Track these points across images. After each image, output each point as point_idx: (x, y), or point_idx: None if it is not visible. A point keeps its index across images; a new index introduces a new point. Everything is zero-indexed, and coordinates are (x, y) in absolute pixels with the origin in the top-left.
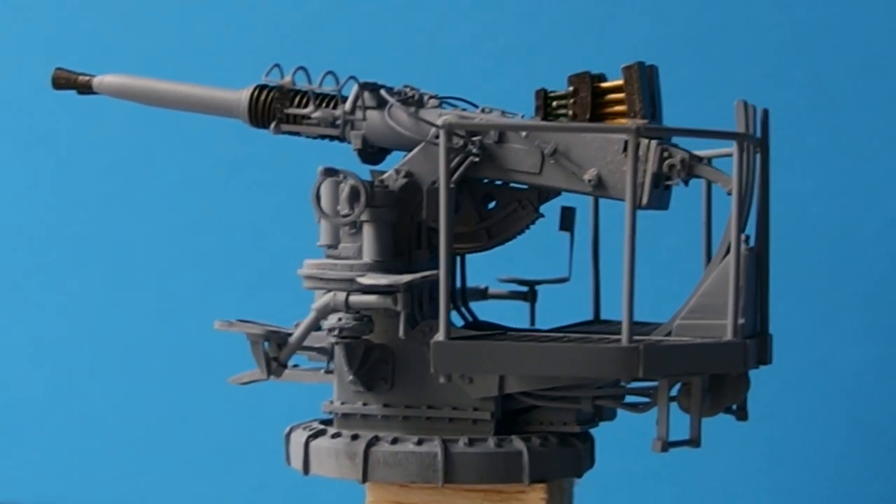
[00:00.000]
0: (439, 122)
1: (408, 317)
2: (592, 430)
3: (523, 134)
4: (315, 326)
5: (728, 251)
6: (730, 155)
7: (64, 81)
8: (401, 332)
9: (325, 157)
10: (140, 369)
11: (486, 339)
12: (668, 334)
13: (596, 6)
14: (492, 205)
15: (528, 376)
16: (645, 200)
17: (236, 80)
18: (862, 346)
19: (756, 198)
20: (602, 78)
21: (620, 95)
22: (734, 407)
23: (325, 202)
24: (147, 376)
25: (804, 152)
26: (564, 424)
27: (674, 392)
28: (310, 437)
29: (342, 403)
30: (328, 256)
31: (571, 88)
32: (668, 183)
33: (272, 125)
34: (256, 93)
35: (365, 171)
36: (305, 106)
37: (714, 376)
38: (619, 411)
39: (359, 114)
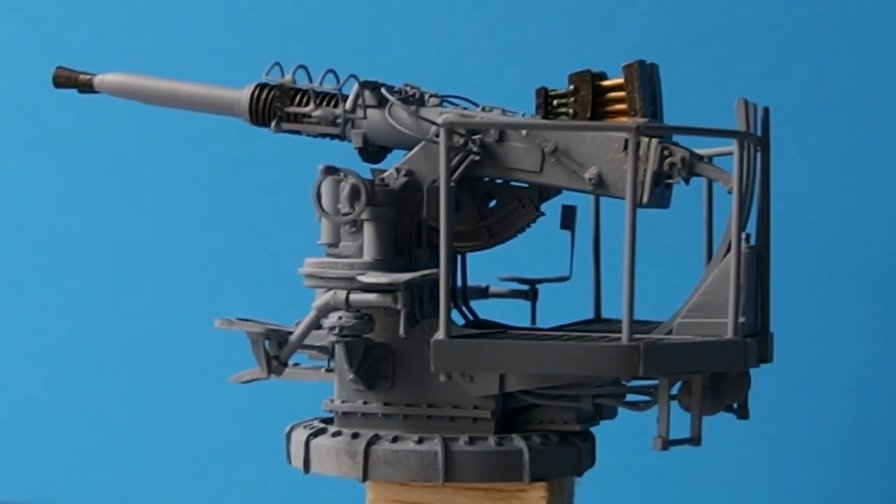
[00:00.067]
0: (439, 120)
1: (408, 315)
2: (593, 429)
3: (524, 132)
4: (315, 325)
5: (729, 249)
6: (730, 153)
7: (65, 80)
8: (401, 331)
9: (327, 156)
10: (140, 369)
11: (487, 338)
12: (669, 333)
13: (597, 5)
14: (492, 203)
15: (528, 375)
16: (645, 199)
17: (237, 79)
18: (863, 344)
19: (757, 196)
20: (602, 76)
21: (621, 94)
22: (735, 405)
23: (326, 201)
24: (147, 376)
25: (805, 151)
26: (565, 423)
27: (675, 391)
28: (310, 435)
29: (343, 402)
30: (329, 255)
31: (572, 87)
32: (669, 181)
33: (272, 124)
34: (257, 91)
35: (366, 169)
36: (306, 104)
37: (715, 375)
38: (620, 410)
39: (359, 112)
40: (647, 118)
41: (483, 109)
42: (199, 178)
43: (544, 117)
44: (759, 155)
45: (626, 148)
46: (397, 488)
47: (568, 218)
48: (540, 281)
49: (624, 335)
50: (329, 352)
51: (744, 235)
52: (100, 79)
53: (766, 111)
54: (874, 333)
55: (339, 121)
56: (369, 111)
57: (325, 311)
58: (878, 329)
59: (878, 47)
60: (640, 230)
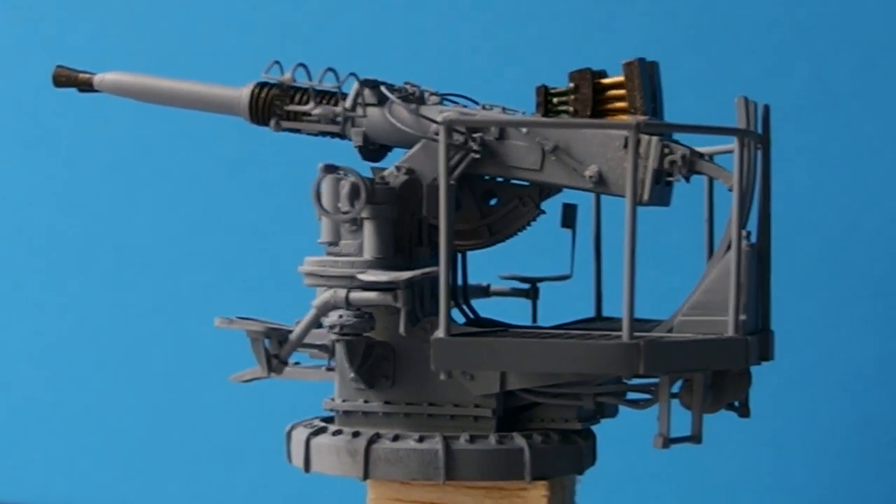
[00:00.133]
0: (439, 118)
1: (408, 314)
2: (594, 427)
3: (524, 130)
4: (316, 323)
5: (729, 247)
6: (731, 151)
7: (65, 79)
8: (401, 329)
9: (327, 155)
10: (141, 368)
11: (487, 336)
12: (670, 331)
13: (597, 4)
14: (493, 202)
15: (529, 373)
16: (646, 197)
17: (237, 78)
18: (864, 342)
19: (757, 194)
20: (603, 74)
21: (621, 92)
22: (736, 403)
23: (326, 199)
24: (147, 375)
25: (806, 150)
26: (566, 421)
27: (676, 389)
28: (311, 434)
29: (343, 401)
30: (329, 253)
31: (572, 85)
32: (670, 179)
33: (272, 122)
34: (257, 90)
35: (366, 168)
36: (306, 103)
37: (716, 373)
38: (621, 408)
39: (359, 110)
40: (648, 116)
41: (483, 108)
42: (198, 177)
43: (544, 115)
44: (759, 153)
45: (626, 146)
46: (398, 487)
47: (569, 216)
48: (541, 279)
49: (624, 333)
50: (330, 350)
51: (744, 233)
52: (100, 78)
53: (767, 109)
54: (875, 332)
55: (339, 119)
56: (369, 109)
57: (325, 309)
58: (879, 327)
59: (878, 47)
60: (641, 228)
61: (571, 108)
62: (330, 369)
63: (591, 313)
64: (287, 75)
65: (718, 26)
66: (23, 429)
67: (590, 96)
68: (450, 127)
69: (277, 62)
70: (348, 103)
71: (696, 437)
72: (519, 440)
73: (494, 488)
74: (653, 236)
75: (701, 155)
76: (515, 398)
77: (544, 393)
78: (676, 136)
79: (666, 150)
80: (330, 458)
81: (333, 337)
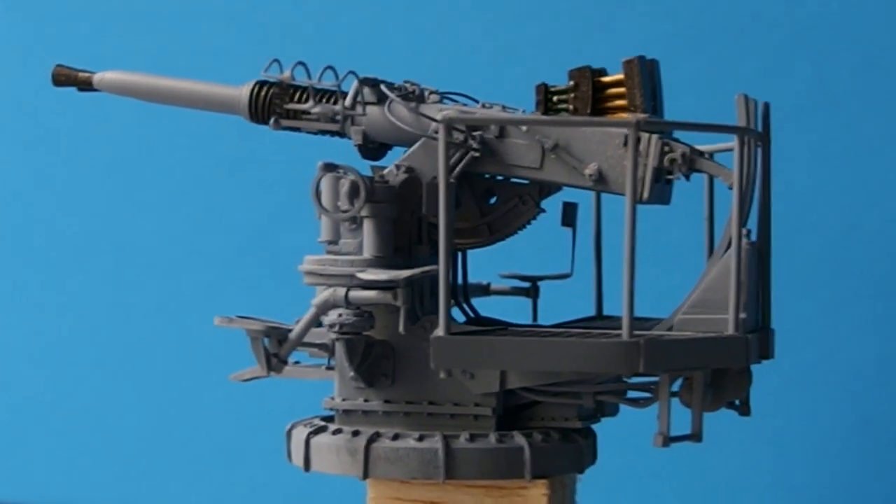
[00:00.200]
0: (439, 116)
1: (408, 312)
2: (595, 426)
3: (524, 128)
4: (315, 322)
5: (729, 245)
6: (731, 149)
7: (64, 78)
8: (401, 328)
9: (330, 154)
10: (141, 368)
11: (487, 335)
12: (670, 329)
13: (598, 2)
14: (493, 200)
15: (529, 371)
16: (646, 195)
17: (237, 77)
18: (865, 341)
19: (758, 192)
20: (603, 72)
21: (621, 90)
22: (736, 402)
23: (326, 198)
24: (148, 375)
25: (806, 149)
26: (566, 420)
27: (676, 387)
28: (311, 433)
29: (343, 400)
30: (328, 252)
31: (572, 83)
32: (669, 177)
33: (271, 121)
34: (256, 89)
35: (366, 166)
36: (305, 101)
37: (716, 371)
38: (622, 406)
39: (359, 109)
40: (648, 114)
41: (483, 106)
42: (198, 176)
43: (544, 113)
44: (759, 150)
45: (626, 144)
46: (398, 486)
47: (569, 215)
48: (541, 278)
49: (624, 332)
50: (329, 349)
51: (744, 231)
52: (99, 77)
53: (767, 107)
54: (875, 331)
55: (339, 118)
56: (369, 108)
57: (325, 308)
58: (879, 327)
59: (878, 47)
60: (641, 226)
61: (571, 107)
62: (330, 368)
63: (592, 312)
64: (286, 74)
65: (719, 25)
66: (23, 429)
67: (589, 94)
68: (449, 125)
69: (277, 61)
70: (348, 102)
71: (696, 436)
72: (519, 439)
73: (494, 487)
74: (653, 234)
75: (701, 153)
76: (515, 397)
77: (544, 391)
78: (677, 134)
79: (666, 148)
80: (330, 457)
81: (333, 336)
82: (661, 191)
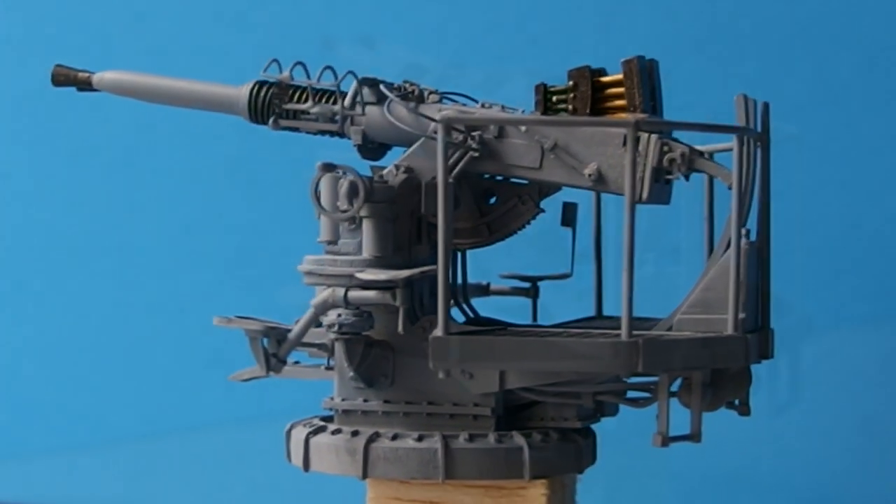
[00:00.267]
0: (437, 116)
1: (407, 312)
2: (594, 426)
3: (523, 129)
4: (315, 322)
5: (729, 245)
6: (731, 149)
7: (63, 78)
8: (400, 328)
9: (331, 153)
10: (140, 368)
11: (485, 335)
12: (669, 329)
13: (598, 1)
14: (492, 200)
15: (528, 371)
16: (645, 195)
17: (239, 76)
18: (865, 342)
19: (757, 192)
20: (602, 72)
21: (620, 90)
22: (736, 402)
23: (325, 198)
24: (147, 375)
25: (807, 148)
26: (565, 420)
27: (676, 388)
28: (310, 433)
29: (343, 400)
30: (328, 252)
31: (571, 83)
32: (669, 177)
33: (270, 121)
34: (256, 89)
35: (366, 167)
36: (304, 101)
37: (715, 371)
38: (622, 406)
39: (358, 109)
40: (647, 114)
41: (482, 106)
42: (198, 176)
43: (544, 113)
44: (759, 150)
45: (625, 144)
46: (397, 486)
47: (569, 215)
48: (541, 278)
49: (623, 331)
50: (329, 349)
51: (744, 231)
52: (98, 76)
53: (766, 106)
54: (875, 331)
55: (338, 118)
56: (368, 108)
57: (324, 308)
58: (880, 326)
59: (879, 46)
60: (640, 226)
61: (570, 107)
62: (329, 368)
63: (592, 312)
64: (285, 74)
65: (719, 25)
66: (23, 429)
67: (589, 94)
68: (448, 125)
69: (276, 60)
70: (347, 102)
71: (695, 436)
72: (518, 439)
73: (494, 487)
74: (653, 234)
75: (700, 153)
76: (515, 397)
77: (544, 391)
78: (678, 134)
79: (665, 148)
80: (329, 457)
81: (332, 336)
82: (660, 191)
